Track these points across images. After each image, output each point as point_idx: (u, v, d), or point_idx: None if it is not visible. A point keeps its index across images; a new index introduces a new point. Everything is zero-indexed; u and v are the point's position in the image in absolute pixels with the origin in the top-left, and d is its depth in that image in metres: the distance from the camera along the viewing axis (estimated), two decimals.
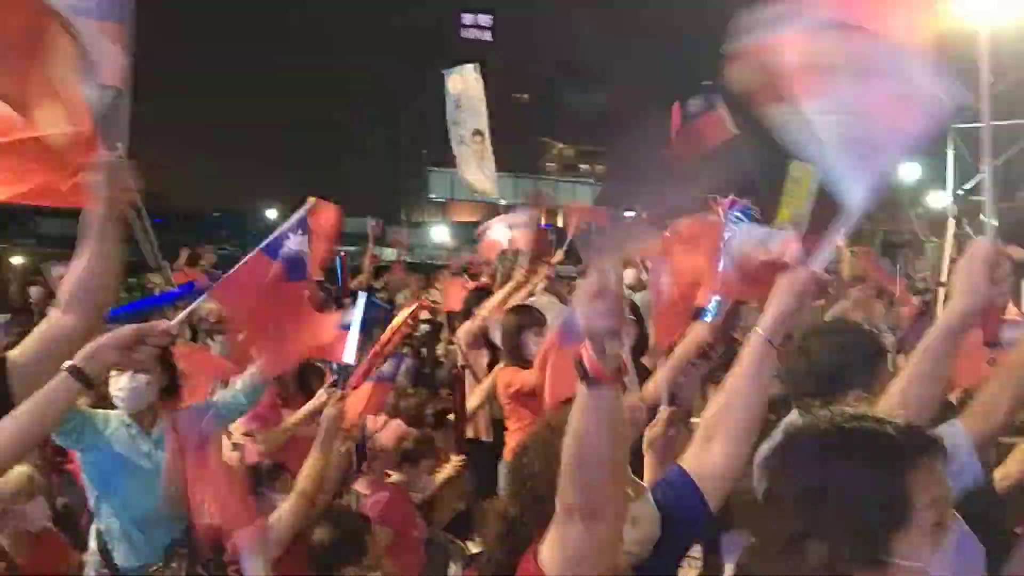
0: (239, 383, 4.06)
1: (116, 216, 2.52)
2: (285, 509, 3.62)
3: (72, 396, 2.20)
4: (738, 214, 3.06)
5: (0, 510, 3.67)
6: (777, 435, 1.73)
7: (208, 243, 16.13)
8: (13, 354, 2.44)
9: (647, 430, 2.95)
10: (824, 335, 2.50)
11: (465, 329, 6.80)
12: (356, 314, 4.29)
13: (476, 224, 10.79)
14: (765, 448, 2.21)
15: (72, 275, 2.47)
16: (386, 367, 4.39)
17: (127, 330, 2.22)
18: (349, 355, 4.12)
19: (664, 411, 2.97)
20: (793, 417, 2.53)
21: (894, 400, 1.98)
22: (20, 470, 3.63)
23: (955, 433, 2.30)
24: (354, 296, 10.75)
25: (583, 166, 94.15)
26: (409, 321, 4.55)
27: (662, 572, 1.99)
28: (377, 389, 4.51)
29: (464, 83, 8.64)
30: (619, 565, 1.83)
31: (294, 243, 3.63)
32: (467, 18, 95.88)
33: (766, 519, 1.49)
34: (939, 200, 18.94)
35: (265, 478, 3.86)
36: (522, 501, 2.01)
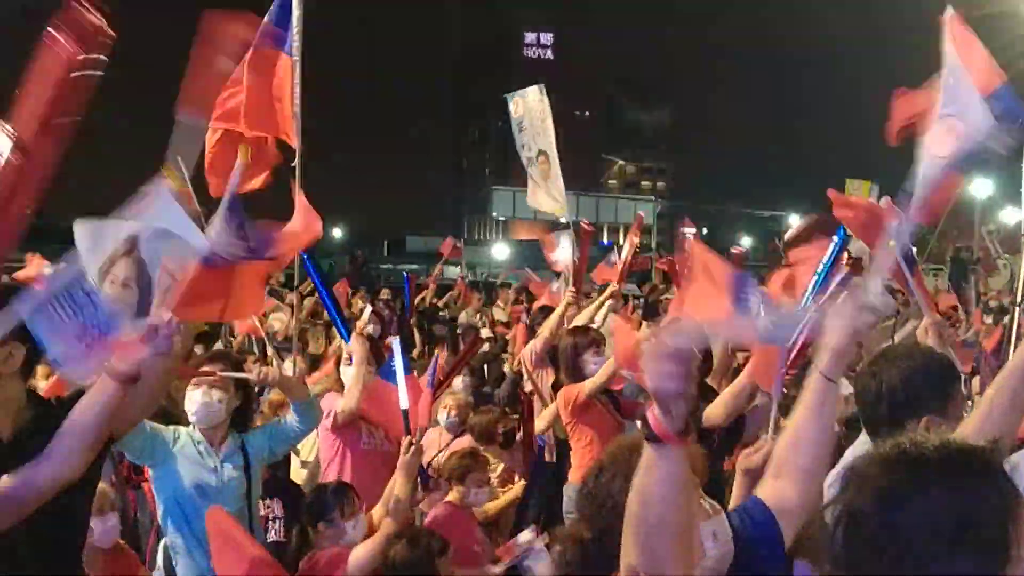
0: (292, 410, 4.13)
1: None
2: (367, 548, 3.65)
3: (110, 391, 2.29)
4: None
5: None
6: (848, 460, 1.69)
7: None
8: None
9: (743, 457, 2.93)
10: (895, 360, 2.45)
11: (529, 348, 6.83)
12: (397, 362, 4.29)
13: (536, 242, 10.83)
14: (834, 474, 2.19)
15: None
16: (428, 375, 4.48)
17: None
18: (404, 401, 4.14)
19: (769, 440, 2.92)
20: (862, 439, 2.50)
21: (971, 430, 1.93)
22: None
23: None
24: (420, 315, 10.86)
25: (644, 183, 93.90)
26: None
27: None
28: (423, 400, 4.61)
29: (526, 105, 8.66)
30: None
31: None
32: (529, 37, 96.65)
33: (851, 551, 1.37)
34: (1012, 216, 18.43)
35: (331, 502, 3.88)
36: (599, 522, 2.00)
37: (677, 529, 1.58)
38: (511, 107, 8.69)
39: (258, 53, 5.45)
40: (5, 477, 2.22)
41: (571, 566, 2.01)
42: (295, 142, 5.54)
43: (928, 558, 1.28)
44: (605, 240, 55.22)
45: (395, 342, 4.56)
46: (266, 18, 5.44)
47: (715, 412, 4.30)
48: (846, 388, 2.57)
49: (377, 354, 5.07)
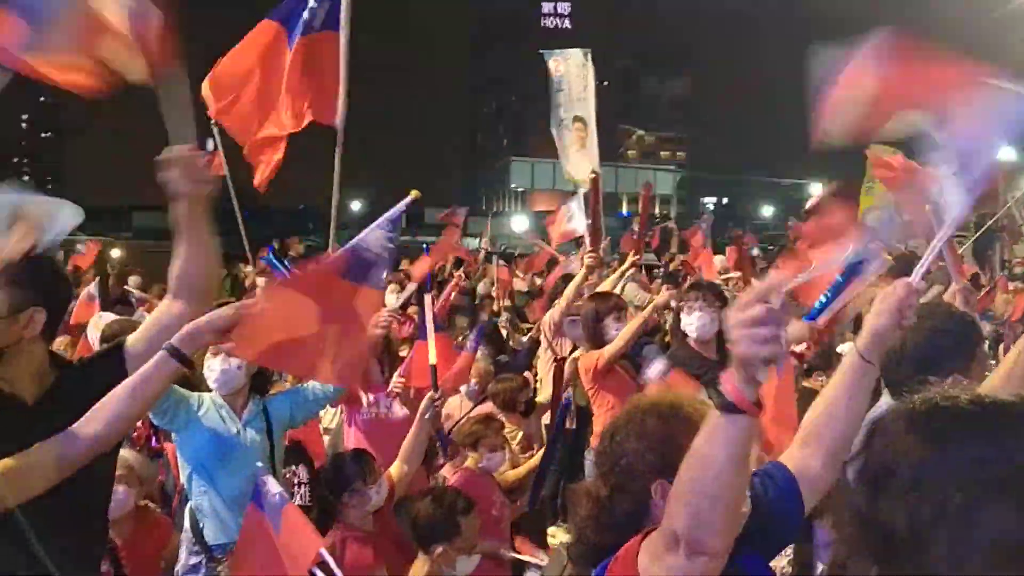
0: None
1: (201, 209, 2.57)
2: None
3: (170, 374, 2.30)
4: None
5: None
6: (876, 416, 1.67)
7: (295, 235, 16.57)
8: (130, 339, 2.59)
9: None
10: (920, 319, 2.42)
11: (548, 317, 6.83)
12: (428, 318, 4.56)
13: (554, 213, 10.70)
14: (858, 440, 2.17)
15: (175, 266, 2.59)
16: (470, 341, 4.57)
17: (224, 312, 2.28)
18: (432, 356, 4.38)
19: None
20: (883, 401, 2.49)
21: (992, 390, 1.91)
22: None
23: None
24: (439, 285, 10.89)
25: (663, 153, 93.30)
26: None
27: (755, 567, 1.95)
28: (462, 361, 4.77)
29: (567, 67, 8.53)
30: None
31: (375, 242, 3.30)
32: (547, 7, 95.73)
33: (877, 506, 1.30)
34: None
35: (353, 472, 3.96)
36: (614, 481, 1.99)
37: (730, 501, 1.55)
38: (551, 65, 8.57)
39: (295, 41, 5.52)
40: (52, 439, 2.23)
41: (585, 522, 2.01)
42: (337, 120, 5.59)
43: (964, 512, 1.21)
44: (624, 211, 54.97)
45: (426, 299, 4.65)
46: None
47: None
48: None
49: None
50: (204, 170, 2.57)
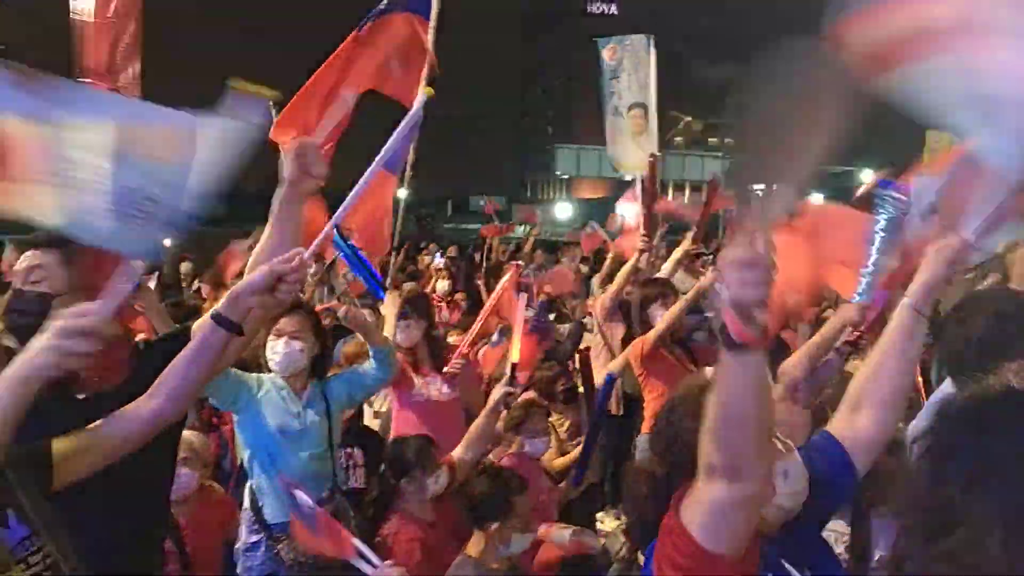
0: (372, 359, 4.27)
1: (301, 198, 2.55)
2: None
3: (220, 341, 2.24)
4: (892, 195, 2.95)
5: None
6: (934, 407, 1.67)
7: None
8: (197, 324, 2.58)
9: None
10: (982, 303, 2.41)
11: (599, 301, 6.84)
12: (519, 316, 4.62)
13: (600, 200, 10.64)
14: (922, 424, 2.17)
15: (261, 248, 2.53)
16: (534, 318, 4.67)
17: (261, 271, 2.21)
18: (515, 354, 4.42)
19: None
20: (946, 388, 2.47)
21: None
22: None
23: None
24: (487, 272, 10.91)
25: (712, 139, 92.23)
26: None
27: (808, 534, 1.97)
28: (532, 340, 4.83)
29: (623, 54, 8.44)
30: (765, 522, 1.83)
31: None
32: None
33: (941, 484, 1.33)
34: None
35: (413, 459, 4.01)
36: (671, 459, 2.02)
37: (758, 425, 1.60)
38: (603, 54, 8.49)
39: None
40: (114, 414, 2.25)
41: (642, 500, 2.04)
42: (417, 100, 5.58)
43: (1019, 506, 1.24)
44: (670, 197, 54.45)
45: (522, 297, 4.72)
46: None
47: (793, 363, 4.26)
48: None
49: (427, 310, 5.22)
50: (321, 164, 2.53)
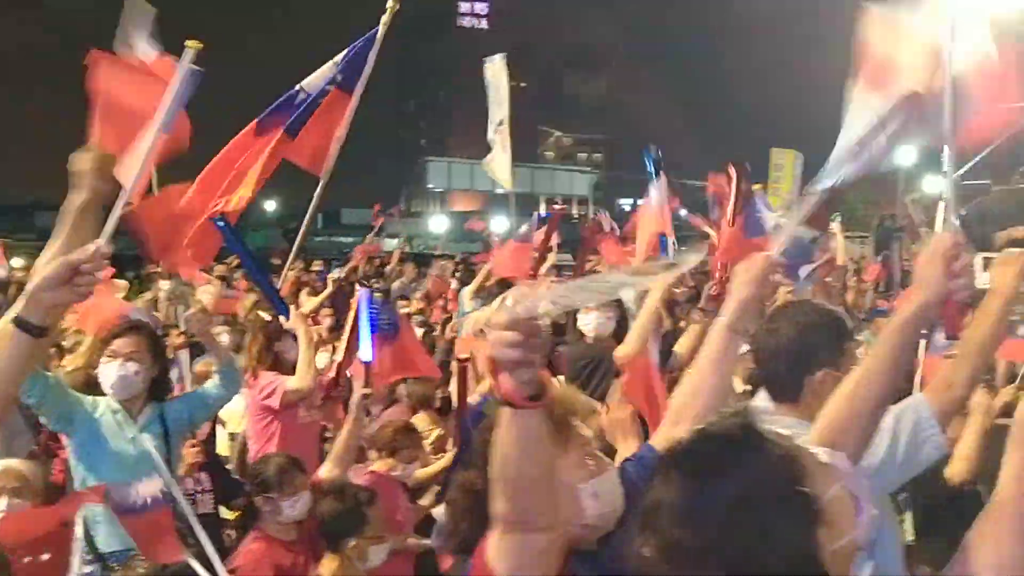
0: (215, 377, 4.17)
1: (94, 208, 2.51)
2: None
3: (24, 346, 2.04)
4: None
5: None
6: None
7: None
8: None
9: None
10: (791, 315, 2.54)
11: (472, 318, 6.88)
12: (363, 315, 4.51)
13: (473, 213, 10.72)
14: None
15: (50, 255, 2.42)
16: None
17: (56, 264, 2.05)
18: (366, 354, 4.39)
19: None
20: (760, 396, 2.58)
21: (855, 384, 1.99)
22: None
23: (920, 406, 2.38)
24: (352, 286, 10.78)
25: (581, 155, 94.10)
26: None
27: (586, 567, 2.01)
28: (390, 343, 4.83)
29: (491, 72, 8.71)
30: (582, 540, 1.88)
31: None
32: (464, 6, 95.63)
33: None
34: (935, 185, 18.86)
35: (273, 479, 3.88)
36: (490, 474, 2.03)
37: (534, 483, 1.63)
38: (487, 72, 8.73)
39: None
40: None
41: (460, 512, 2.05)
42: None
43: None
44: (542, 212, 55.27)
45: (363, 293, 4.64)
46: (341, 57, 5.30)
47: (626, 348, 4.54)
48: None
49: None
50: (113, 173, 2.50)
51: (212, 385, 4.10)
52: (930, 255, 1.99)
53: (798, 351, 2.48)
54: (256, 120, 4.97)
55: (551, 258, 9.17)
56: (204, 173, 4.69)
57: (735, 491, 1.29)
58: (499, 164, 8.63)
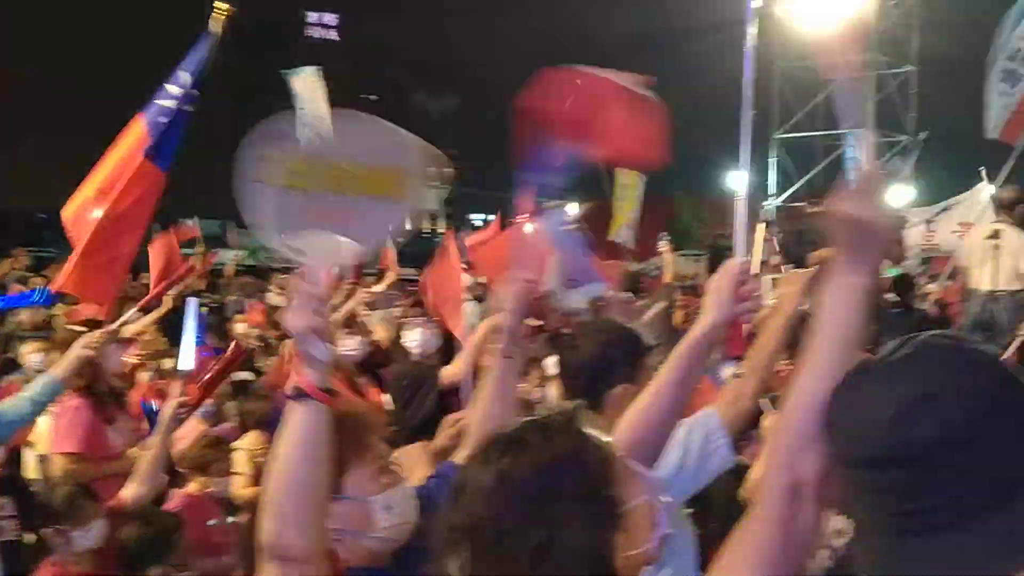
0: (35, 386, 3.97)
1: None
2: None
3: None
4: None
5: None
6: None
7: (30, 246, 15.35)
8: None
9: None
10: (590, 334, 2.69)
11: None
12: (189, 324, 4.38)
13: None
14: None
15: None
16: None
17: None
18: (186, 363, 4.25)
19: None
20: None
21: (648, 398, 2.09)
22: None
23: (710, 418, 2.52)
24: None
25: (432, 168, 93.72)
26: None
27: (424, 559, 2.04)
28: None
29: (304, 85, 8.47)
30: (375, 555, 1.89)
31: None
32: (312, 16, 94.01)
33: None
34: (769, 206, 20.02)
35: (64, 511, 3.67)
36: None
37: (309, 494, 1.58)
38: (292, 85, 8.49)
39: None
40: None
41: (243, 554, 2.05)
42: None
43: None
44: None
45: (191, 302, 4.49)
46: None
47: (452, 369, 4.65)
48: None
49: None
50: None
51: (13, 403, 3.87)
52: (719, 278, 2.10)
53: (598, 367, 2.60)
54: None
55: (390, 276, 9.22)
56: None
57: (544, 482, 1.32)
58: None
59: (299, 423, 1.55)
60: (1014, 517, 1.11)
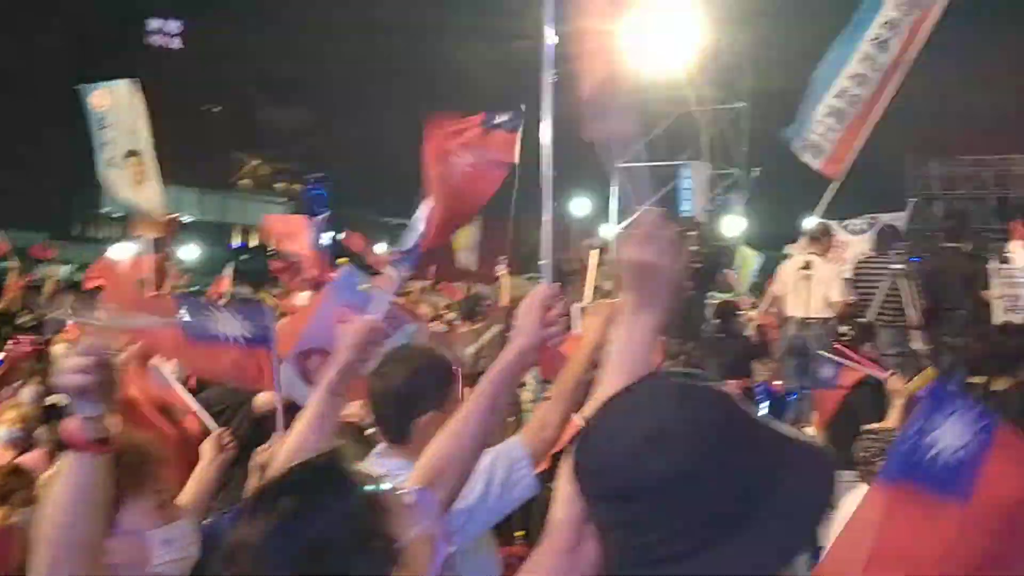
0: None
1: None
2: None
3: None
4: None
5: None
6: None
7: None
8: None
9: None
10: (399, 361, 2.68)
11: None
12: None
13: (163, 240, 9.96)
14: None
15: None
16: None
17: None
18: None
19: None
20: (381, 448, 2.72)
21: (455, 425, 2.09)
22: None
23: (514, 448, 2.57)
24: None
25: (278, 184, 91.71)
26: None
27: None
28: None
29: (114, 99, 7.96)
30: None
31: None
32: (153, 24, 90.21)
33: None
34: (609, 232, 20.52)
35: None
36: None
37: (79, 535, 1.58)
38: (89, 100, 7.98)
39: None
40: None
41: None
42: None
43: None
44: (238, 241, 53.18)
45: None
46: None
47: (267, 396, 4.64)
48: None
49: None
50: None
51: None
52: (528, 304, 2.14)
53: (406, 395, 2.61)
54: None
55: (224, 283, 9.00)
56: None
57: (313, 533, 1.29)
58: (139, 197, 8.03)
59: (70, 470, 1.55)
60: (723, 555, 1.19)
